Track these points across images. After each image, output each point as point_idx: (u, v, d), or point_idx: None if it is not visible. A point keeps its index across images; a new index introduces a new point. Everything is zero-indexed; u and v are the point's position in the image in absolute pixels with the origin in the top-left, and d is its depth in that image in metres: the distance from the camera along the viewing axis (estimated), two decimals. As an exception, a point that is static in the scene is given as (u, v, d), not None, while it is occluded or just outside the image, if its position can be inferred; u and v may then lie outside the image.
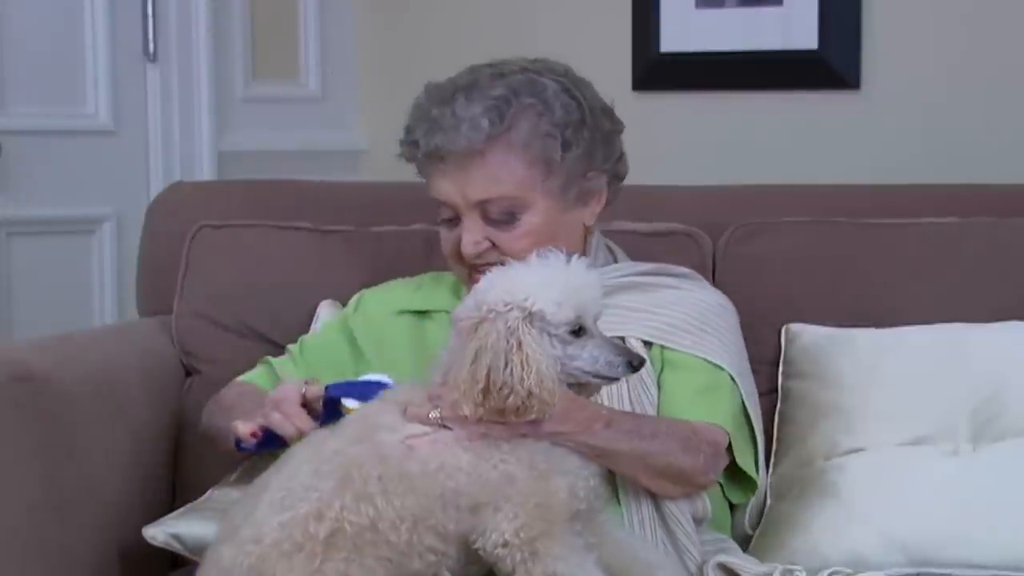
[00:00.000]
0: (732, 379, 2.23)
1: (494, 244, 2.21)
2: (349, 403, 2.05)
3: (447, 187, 2.22)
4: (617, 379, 1.99)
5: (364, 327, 2.37)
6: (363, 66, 3.94)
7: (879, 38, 3.27)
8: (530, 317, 1.89)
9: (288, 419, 2.06)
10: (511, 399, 1.86)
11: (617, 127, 2.28)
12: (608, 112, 2.27)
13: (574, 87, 2.24)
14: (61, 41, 3.58)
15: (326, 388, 2.08)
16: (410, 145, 2.26)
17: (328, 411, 2.05)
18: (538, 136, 2.19)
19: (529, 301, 1.90)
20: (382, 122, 3.90)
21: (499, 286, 1.93)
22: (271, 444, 2.07)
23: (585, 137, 2.22)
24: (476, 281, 2.09)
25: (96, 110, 3.65)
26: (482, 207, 2.21)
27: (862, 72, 3.29)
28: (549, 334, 1.91)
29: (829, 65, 3.30)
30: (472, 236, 2.21)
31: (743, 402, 2.24)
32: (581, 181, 2.24)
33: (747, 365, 2.31)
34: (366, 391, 2.05)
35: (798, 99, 3.37)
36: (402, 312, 2.36)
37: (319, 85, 3.95)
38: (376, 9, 3.92)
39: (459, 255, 2.24)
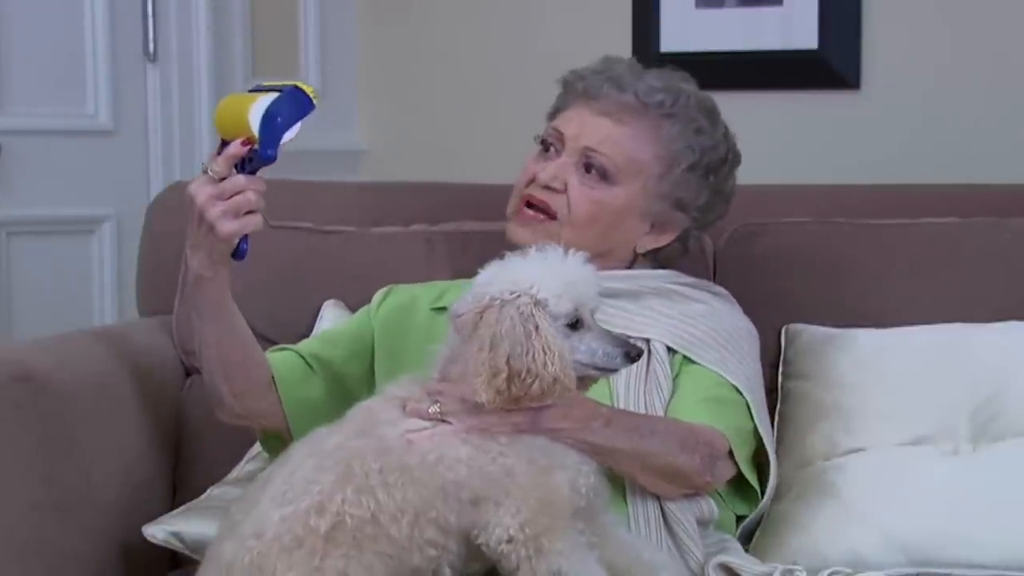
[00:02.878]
0: (744, 401, 2.22)
1: (566, 191, 2.24)
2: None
3: (576, 120, 2.28)
4: (616, 370, 1.98)
5: (384, 319, 2.35)
6: (363, 66, 3.94)
7: (879, 38, 3.27)
8: (536, 305, 1.89)
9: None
10: (535, 385, 1.86)
11: (724, 208, 2.35)
12: (732, 190, 2.34)
13: (732, 149, 2.32)
14: (61, 41, 3.58)
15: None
16: (577, 77, 2.31)
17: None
18: (684, 141, 2.26)
19: (535, 289, 1.90)
20: (382, 122, 3.91)
21: (501, 277, 1.93)
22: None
23: (710, 180, 2.29)
24: (523, 213, 2.22)
25: (96, 110, 3.64)
26: (587, 153, 2.25)
27: (862, 72, 3.29)
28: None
29: (829, 65, 3.30)
30: (559, 170, 2.25)
31: (754, 424, 2.22)
32: (672, 208, 2.28)
33: (762, 391, 2.30)
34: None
35: (798, 99, 3.36)
36: (430, 308, 2.34)
37: (319, 85, 3.94)
38: (376, 9, 3.92)
39: (527, 185, 2.27)
